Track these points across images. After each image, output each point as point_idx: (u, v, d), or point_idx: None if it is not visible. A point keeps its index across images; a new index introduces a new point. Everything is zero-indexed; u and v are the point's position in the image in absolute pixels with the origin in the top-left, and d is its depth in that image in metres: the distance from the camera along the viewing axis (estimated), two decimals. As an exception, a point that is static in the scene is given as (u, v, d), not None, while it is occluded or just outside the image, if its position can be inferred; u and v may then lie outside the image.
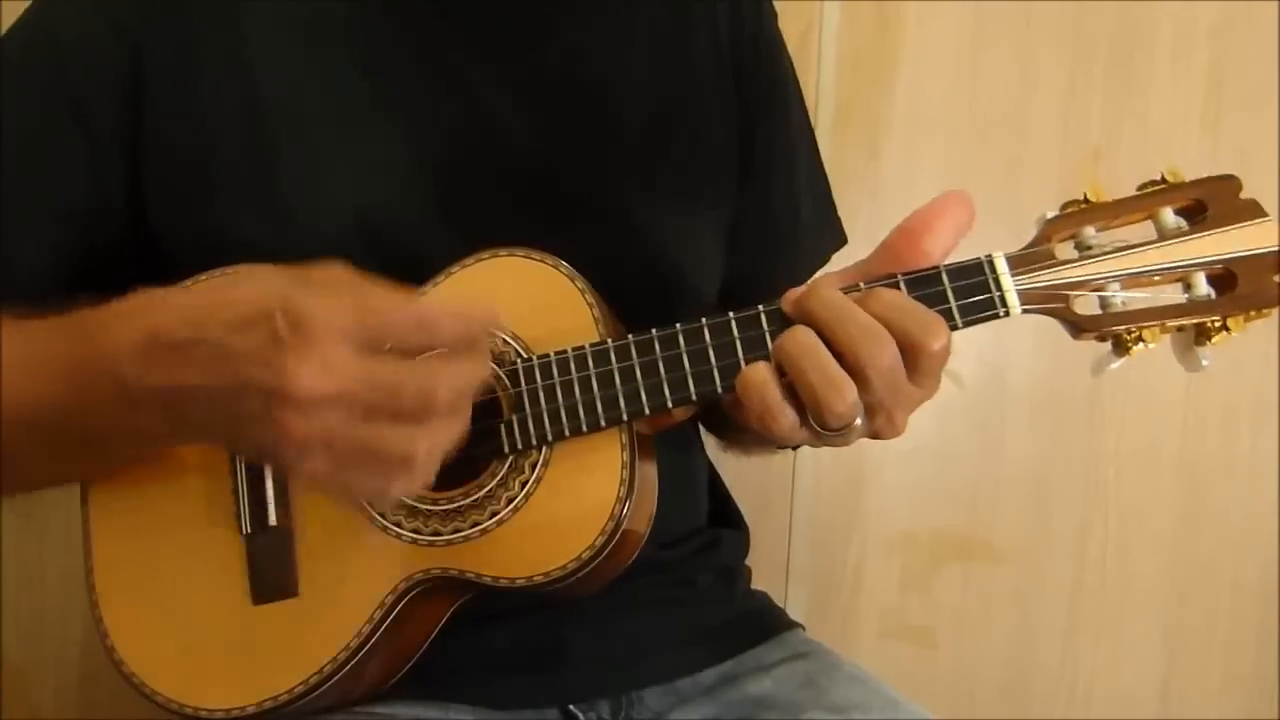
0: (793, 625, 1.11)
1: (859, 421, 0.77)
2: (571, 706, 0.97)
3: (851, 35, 1.69)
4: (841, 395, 0.74)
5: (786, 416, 0.77)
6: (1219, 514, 1.74)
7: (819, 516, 1.71)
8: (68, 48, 0.92)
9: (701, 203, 1.06)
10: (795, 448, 1.03)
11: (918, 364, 0.75)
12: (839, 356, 0.76)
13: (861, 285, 0.79)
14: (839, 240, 1.21)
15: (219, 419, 0.70)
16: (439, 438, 0.70)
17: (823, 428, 0.77)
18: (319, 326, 0.65)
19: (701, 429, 1.18)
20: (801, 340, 0.77)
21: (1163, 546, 1.74)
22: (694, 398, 0.82)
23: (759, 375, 0.78)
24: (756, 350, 0.81)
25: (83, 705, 1.66)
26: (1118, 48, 1.69)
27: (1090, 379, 1.66)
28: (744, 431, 0.99)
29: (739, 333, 0.81)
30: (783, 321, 0.80)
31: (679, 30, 1.07)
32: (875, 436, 0.80)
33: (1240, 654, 1.75)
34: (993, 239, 1.68)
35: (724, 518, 1.16)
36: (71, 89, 0.92)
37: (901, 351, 0.75)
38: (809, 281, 0.81)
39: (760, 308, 0.81)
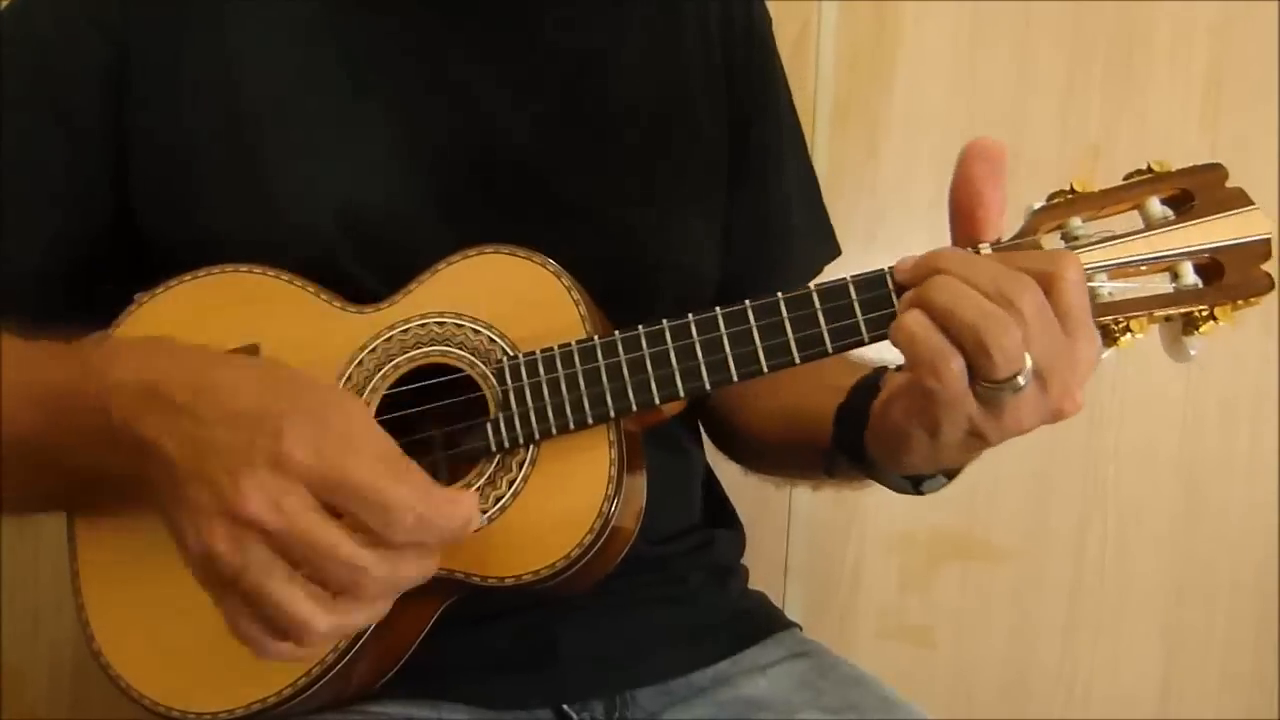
0: (789, 625, 1.11)
1: (1023, 380, 0.70)
2: (565, 706, 0.96)
3: (849, 34, 1.69)
4: (1005, 328, 0.69)
5: (956, 360, 0.70)
6: (1218, 512, 1.73)
7: (817, 515, 1.71)
8: (49, 47, 0.92)
9: (694, 202, 1.06)
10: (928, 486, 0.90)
11: (1061, 303, 0.71)
12: None
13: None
14: (833, 251, 1.20)
15: (171, 490, 0.70)
16: (346, 622, 0.69)
17: (989, 379, 0.70)
18: (292, 461, 0.66)
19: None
20: (947, 284, 0.71)
21: (1162, 545, 1.73)
22: (682, 394, 0.82)
23: (917, 320, 0.71)
24: (745, 345, 0.80)
25: (75, 705, 1.66)
26: (1116, 47, 1.69)
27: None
28: (824, 457, 0.94)
29: (726, 328, 0.81)
30: (770, 315, 0.80)
31: (671, 29, 1.07)
32: (1057, 415, 0.74)
33: (1239, 652, 1.75)
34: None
35: (719, 517, 1.15)
36: (53, 89, 0.92)
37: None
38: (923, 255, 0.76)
39: (747, 303, 0.81)
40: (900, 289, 0.77)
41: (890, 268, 0.78)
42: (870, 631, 1.73)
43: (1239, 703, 1.74)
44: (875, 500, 1.68)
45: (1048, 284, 0.71)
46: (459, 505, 0.69)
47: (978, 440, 0.76)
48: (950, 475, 0.87)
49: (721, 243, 1.09)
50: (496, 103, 0.98)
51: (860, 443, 0.86)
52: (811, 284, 0.80)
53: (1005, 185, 0.77)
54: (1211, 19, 1.69)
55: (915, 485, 0.88)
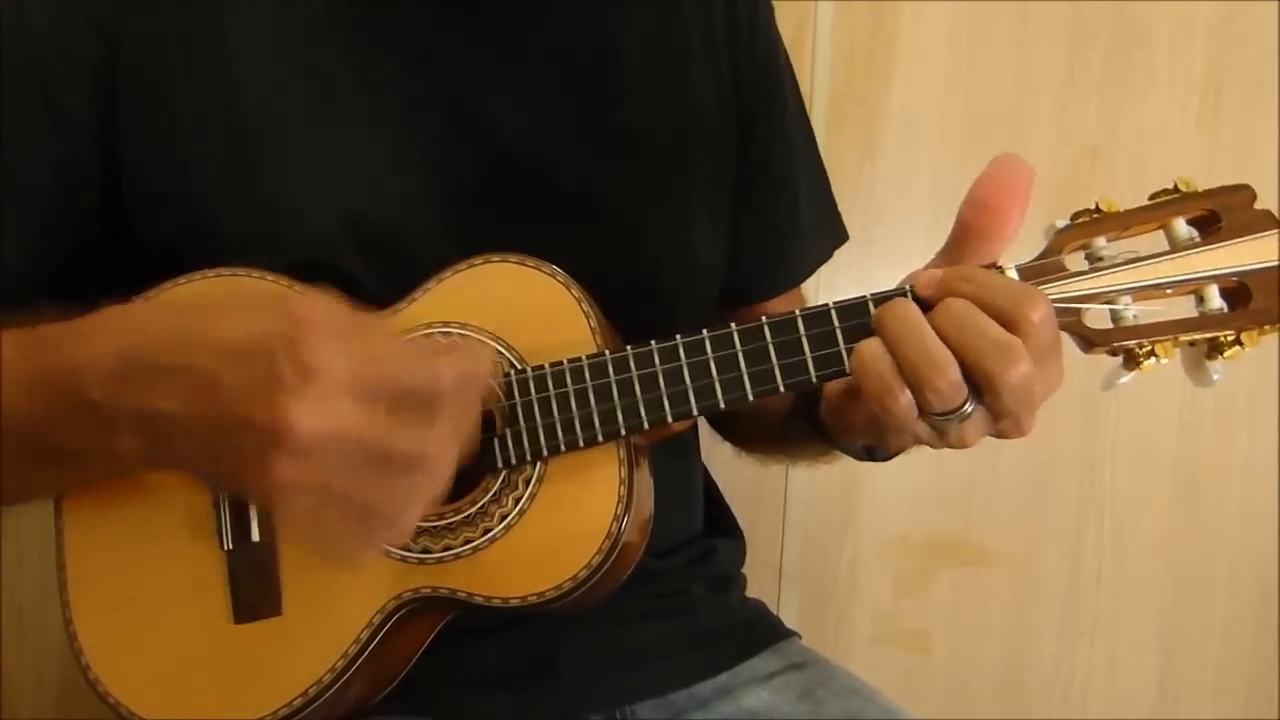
0: (789, 634, 1.10)
1: (969, 407, 0.72)
2: None
3: (846, 32, 1.68)
4: (941, 371, 0.71)
5: (904, 394, 0.72)
6: (1215, 514, 1.74)
7: (812, 520, 1.70)
8: (42, 42, 0.90)
9: (701, 202, 1.05)
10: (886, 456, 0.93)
11: (1026, 343, 0.71)
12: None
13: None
14: (840, 238, 1.19)
15: (201, 451, 0.67)
16: (427, 493, 0.68)
17: (925, 409, 0.73)
18: (324, 370, 0.63)
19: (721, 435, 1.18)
20: (902, 313, 0.74)
21: (1158, 547, 1.74)
22: (695, 412, 0.80)
23: (874, 350, 0.74)
24: (760, 363, 0.79)
25: (61, 709, 1.64)
26: (1115, 46, 1.68)
27: (1085, 379, 1.65)
28: (813, 434, 0.93)
29: (741, 345, 0.80)
30: (787, 333, 0.79)
31: (675, 29, 1.05)
32: (1004, 436, 0.76)
33: (1236, 655, 1.76)
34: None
35: (719, 525, 1.15)
36: (46, 86, 0.90)
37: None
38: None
39: (764, 319, 0.79)
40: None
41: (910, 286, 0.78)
42: (866, 637, 1.72)
43: (1236, 705, 1.76)
44: (870, 505, 1.68)
45: (1013, 327, 0.71)
46: (478, 354, 0.70)
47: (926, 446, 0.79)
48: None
49: (729, 242, 1.08)
50: (500, 105, 0.96)
51: (816, 413, 0.88)
52: (830, 301, 0.79)
53: (1024, 212, 0.76)
54: (1210, 18, 1.68)
55: (869, 453, 0.90)
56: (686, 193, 1.03)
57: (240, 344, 0.64)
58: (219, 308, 0.69)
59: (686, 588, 1.04)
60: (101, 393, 0.68)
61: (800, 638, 1.11)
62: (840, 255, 1.20)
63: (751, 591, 1.14)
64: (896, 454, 0.89)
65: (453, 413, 0.67)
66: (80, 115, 0.90)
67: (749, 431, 1.17)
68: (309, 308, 0.65)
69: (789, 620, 1.12)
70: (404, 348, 0.68)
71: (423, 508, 0.67)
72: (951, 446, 0.77)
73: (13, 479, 0.80)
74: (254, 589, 0.84)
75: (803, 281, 1.17)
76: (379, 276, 0.90)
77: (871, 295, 0.78)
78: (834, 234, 1.19)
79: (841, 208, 1.20)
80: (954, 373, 0.71)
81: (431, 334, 0.86)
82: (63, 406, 0.71)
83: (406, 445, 0.65)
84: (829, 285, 1.18)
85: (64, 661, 1.61)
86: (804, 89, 1.62)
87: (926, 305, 0.75)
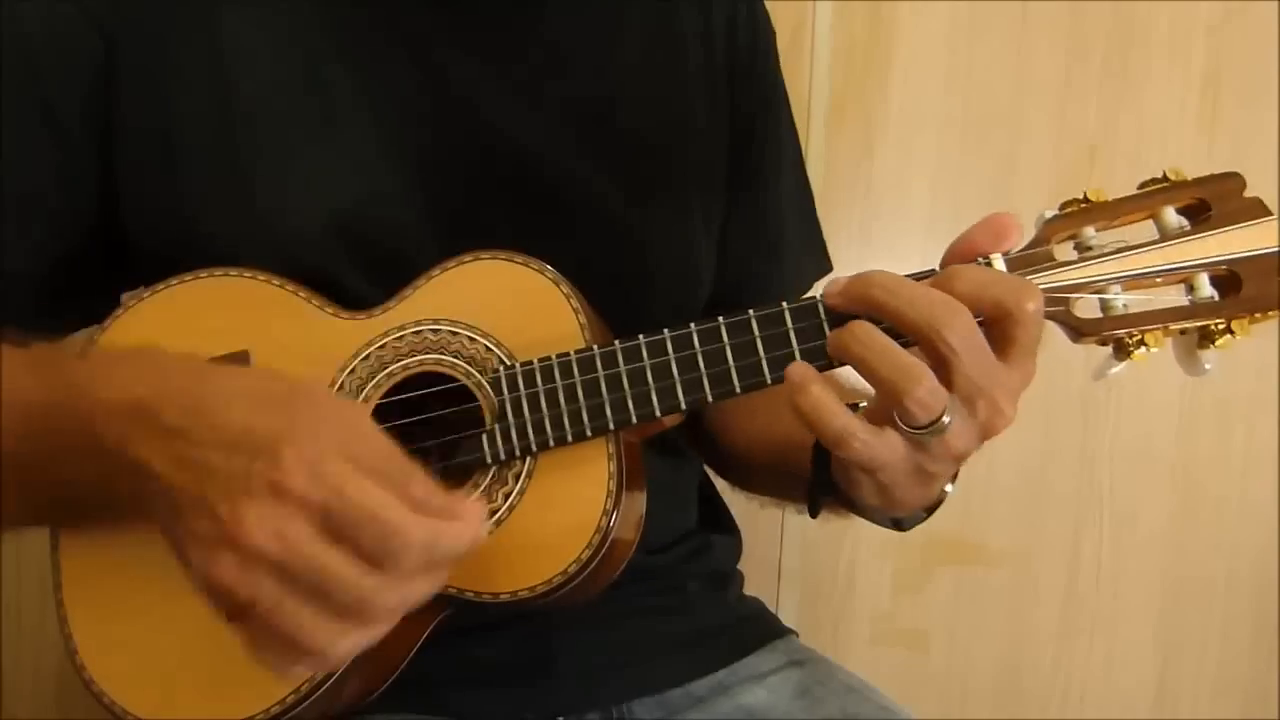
0: (786, 632, 1.10)
1: (948, 419, 0.71)
2: (560, 719, 0.95)
3: (844, 31, 1.68)
4: (917, 379, 0.69)
5: (860, 430, 0.72)
6: (1214, 514, 1.74)
7: (810, 520, 1.68)
8: (36, 40, 0.90)
9: (692, 205, 1.04)
10: (909, 523, 0.91)
11: (1012, 335, 0.71)
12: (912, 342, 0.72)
13: None
14: (823, 268, 1.19)
15: (169, 515, 0.68)
16: (361, 641, 0.67)
17: (910, 425, 0.71)
18: (293, 490, 0.63)
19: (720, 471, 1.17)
20: (859, 332, 0.72)
21: (1157, 547, 1.74)
22: (683, 406, 0.80)
23: (813, 395, 0.72)
24: (748, 357, 0.79)
25: (59, 708, 1.64)
26: (1114, 45, 1.68)
27: (1084, 377, 1.65)
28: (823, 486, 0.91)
29: (729, 339, 0.79)
30: (775, 326, 0.78)
31: (672, 33, 1.06)
32: (988, 433, 0.74)
33: (1235, 656, 1.75)
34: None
35: (716, 522, 1.14)
36: (40, 84, 0.90)
37: (992, 324, 0.72)
38: (852, 276, 0.76)
39: (751, 312, 0.79)
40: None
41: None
42: (864, 636, 1.72)
43: (1235, 706, 1.75)
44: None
45: (1005, 321, 0.71)
46: (466, 523, 0.67)
47: (922, 476, 0.77)
48: (929, 509, 0.87)
49: (718, 247, 1.08)
50: (493, 104, 0.96)
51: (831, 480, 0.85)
52: (818, 295, 0.78)
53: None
54: (1210, 18, 1.68)
55: (895, 523, 0.88)
56: (680, 192, 1.03)
57: (236, 435, 0.65)
58: (235, 382, 0.71)
59: (682, 584, 1.04)
60: (109, 434, 0.70)
61: (798, 635, 1.10)
62: (839, 254, 1.20)
63: (750, 590, 1.14)
64: (918, 518, 0.88)
65: (410, 571, 0.65)
66: (75, 116, 0.90)
67: (766, 485, 1.15)
68: (313, 419, 0.66)
69: (787, 619, 1.12)
70: (392, 487, 0.65)
71: (353, 651, 0.67)
72: (944, 462, 0.75)
73: (10, 504, 0.81)
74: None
75: (790, 294, 1.16)
76: (370, 275, 0.90)
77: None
78: (819, 260, 1.19)
79: (840, 206, 1.20)
80: (931, 380, 0.70)
81: (421, 331, 0.86)
82: (70, 438, 0.72)
83: (349, 588, 0.64)
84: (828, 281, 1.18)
85: (62, 661, 1.60)
86: (802, 88, 1.63)
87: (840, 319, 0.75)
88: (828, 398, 0.72)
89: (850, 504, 0.87)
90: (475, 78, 0.96)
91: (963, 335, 0.70)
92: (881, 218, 1.68)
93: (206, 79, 0.91)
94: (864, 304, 0.74)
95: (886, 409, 0.72)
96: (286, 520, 0.63)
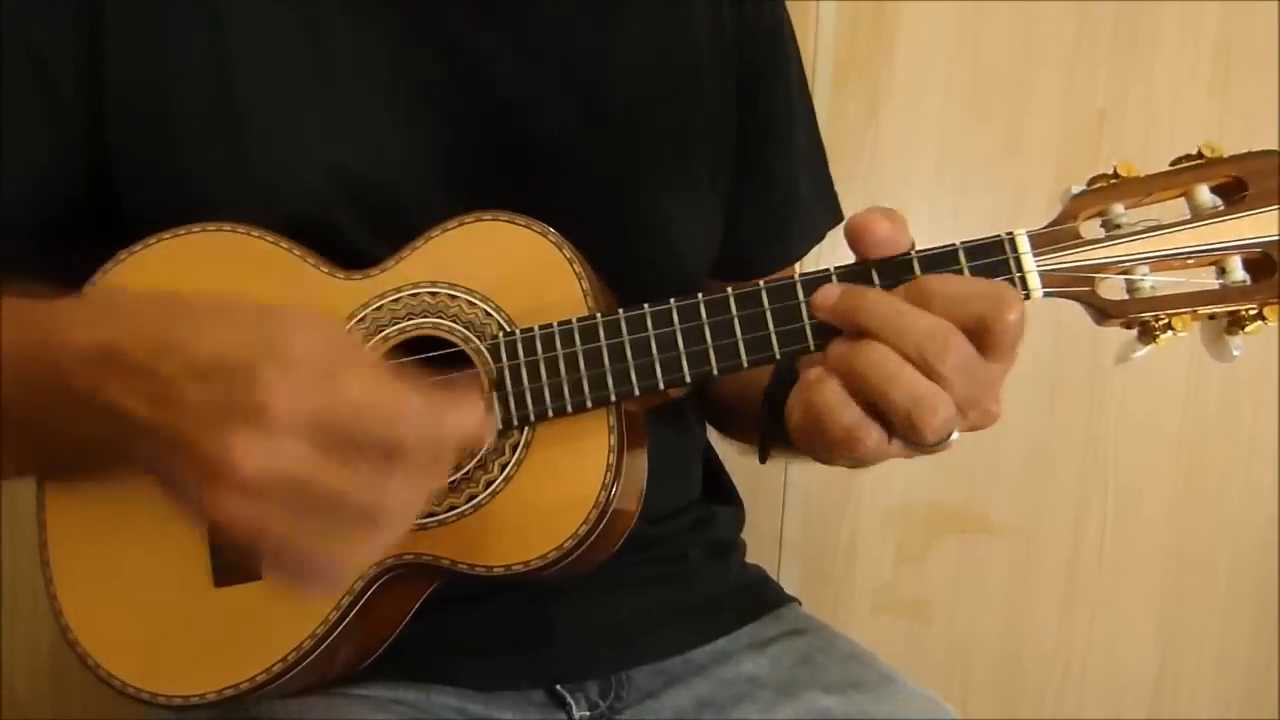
0: (788, 600, 1.09)
1: (955, 436, 0.72)
2: (559, 687, 0.95)
3: (851, -4, 1.65)
4: (936, 411, 0.70)
5: (872, 435, 0.72)
6: (1218, 492, 1.74)
7: (813, 489, 1.70)
8: None
9: (699, 169, 1.03)
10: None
11: (995, 342, 0.71)
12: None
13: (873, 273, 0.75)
14: (835, 218, 1.18)
15: (157, 456, 0.65)
16: (374, 548, 0.65)
17: (920, 445, 0.72)
18: (280, 405, 0.60)
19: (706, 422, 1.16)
20: (876, 360, 0.71)
21: (1161, 524, 1.74)
22: (688, 379, 0.78)
23: (832, 398, 0.72)
24: (756, 329, 0.77)
25: (55, 685, 1.64)
26: (1124, 10, 1.66)
27: (1091, 353, 1.64)
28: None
29: (738, 310, 0.77)
30: (786, 298, 0.76)
31: None
32: (974, 430, 0.75)
33: (1237, 632, 1.76)
34: (994, 203, 1.64)
35: (718, 492, 1.13)
36: (29, 41, 0.87)
37: (974, 335, 0.71)
38: (844, 288, 0.75)
39: (761, 284, 0.77)
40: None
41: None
42: (866, 607, 1.72)
43: (1236, 681, 1.76)
44: (871, 474, 1.65)
45: (989, 332, 0.71)
46: (465, 410, 0.64)
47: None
48: None
49: (728, 209, 1.07)
50: (496, 65, 0.94)
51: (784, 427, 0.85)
52: (832, 267, 0.76)
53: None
54: (1220, -17, 1.66)
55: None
56: (686, 155, 1.02)
57: (208, 364, 0.62)
58: (202, 311, 0.67)
59: (683, 553, 1.03)
60: (79, 382, 0.67)
61: (800, 604, 1.10)
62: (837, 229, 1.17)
63: (751, 561, 1.13)
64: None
65: (416, 466, 0.63)
66: (66, 72, 0.88)
67: (727, 424, 1.16)
68: (286, 333, 0.63)
69: (789, 590, 1.11)
70: (379, 387, 0.63)
71: (373, 557, 0.66)
72: (927, 454, 0.75)
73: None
74: (234, 552, 0.82)
75: (801, 258, 1.16)
76: (369, 232, 0.88)
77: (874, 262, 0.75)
78: (831, 210, 1.18)
79: (845, 173, 1.18)
80: (948, 407, 0.70)
81: (419, 294, 0.84)
82: (44, 389, 0.69)
83: (358, 495, 0.61)
84: (830, 252, 1.16)
85: (57, 643, 1.60)
86: (808, 54, 1.61)
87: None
88: (841, 396, 0.72)
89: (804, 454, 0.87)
90: (478, 39, 0.94)
91: (953, 364, 0.70)
92: (886, 183, 1.67)
93: (200, 35, 0.89)
94: (854, 327, 0.73)
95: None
96: (277, 443, 0.60)
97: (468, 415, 0.64)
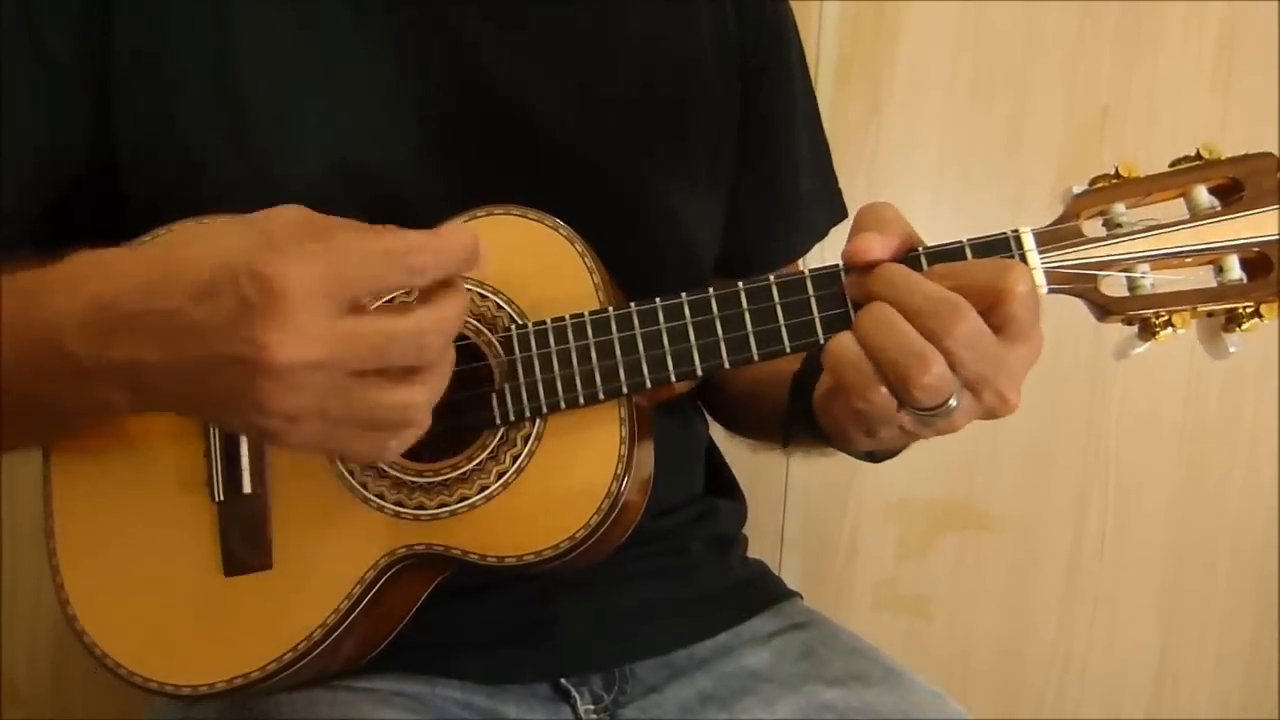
0: (790, 594, 1.10)
1: (954, 401, 0.72)
2: (563, 680, 0.95)
3: (853, -10, 1.65)
4: (925, 366, 0.70)
5: (879, 393, 0.72)
6: (1219, 485, 1.73)
7: (814, 484, 1.69)
8: None
9: (701, 162, 1.03)
10: (882, 456, 0.94)
11: (1007, 317, 0.71)
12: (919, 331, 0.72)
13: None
14: (839, 214, 1.18)
15: (191, 395, 0.65)
16: (432, 388, 0.67)
17: (914, 406, 0.72)
18: (291, 289, 0.61)
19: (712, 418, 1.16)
20: (876, 314, 0.73)
21: (1162, 518, 1.73)
22: (699, 372, 0.79)
23: (846, 346, 0.73)
24: (767, 323, 0.78)
25: (56, 681, 1.62)
26: (1127, 6, 1.65)
27: (1092, 346, 1.64)
28: (811, 432, 0.92)
29: (748, 304, 0.78)
30: (796, 293, 0.77)
31: None
32: (991, 415, 0.75)
33: (1237, 626, 1.75)
34: (996, 199, 1.64)
35: (721, 486, 1.14)
36: (32, 22, 0.87)
37: (986, 312, 0.71)
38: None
39: (771, 278, 0.78)
40: None
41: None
42: (866, 603, 1.72)
43: (1236, 676, 1.76)
44: (872, 469, 1.66)
45: (995, 299, 0.71)
46: (456, 231, 0.70)
47: (917, 436, 0.78)
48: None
49: (730, 204, 1.07)
50: (500, 57, 0.94)
51: (811, 414, 0.86)
52: (840, 263, 0.77)
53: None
54: (1224, -23, 1.65)
55: (869, 455, 0.91)
56: (688, 148, 1.02)
57: (206, 277, 0.62)
58: (186, 241, 0.68)
59: (686, 547, 1.03)
60: (78, 345, 0.66)
61: (802, 598, 1.11)
62: (846, 217, 1.18)
63: (752, 555, 1.13)
64: (892, 453, 0.90)
65: (440, 290, 0.67)
66: (69, 54, 0.88)
67: (748, 422, 1.15)
68: (268, 221, 0.64)
69: (790, 586, 1.12)
70: (371, 232, 0.66)
71: (434, 399, 0.67)
72: (942, 434, 0.76)
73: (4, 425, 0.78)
74: (244, 541, 0.83)
75: (802, 255, 1.16)
76: (372, 219, 0.87)
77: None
78: (834, 207, 1.18)
79: (847, 168, 1.18)
80: (939, 366, 0.70)
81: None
82: (39, 358, 0.69)
83: (401, 347, 0.64)
84: (835, 247, 1.16)
85: (58, 632, 1.60)
86: (810, 49, 1.61)
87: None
88: (855, 351, 0.73)
89: (825, 438, 0.88)
90: (478, 29, 0.94)
91: (961, 335, 0.70)
92: (889, 179, 1.66)
93: (203, 20, 0.89)
94: (868, 295, 0.75)
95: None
96: (300, 319, 0.61)
97: (459, 232, 0.68)
